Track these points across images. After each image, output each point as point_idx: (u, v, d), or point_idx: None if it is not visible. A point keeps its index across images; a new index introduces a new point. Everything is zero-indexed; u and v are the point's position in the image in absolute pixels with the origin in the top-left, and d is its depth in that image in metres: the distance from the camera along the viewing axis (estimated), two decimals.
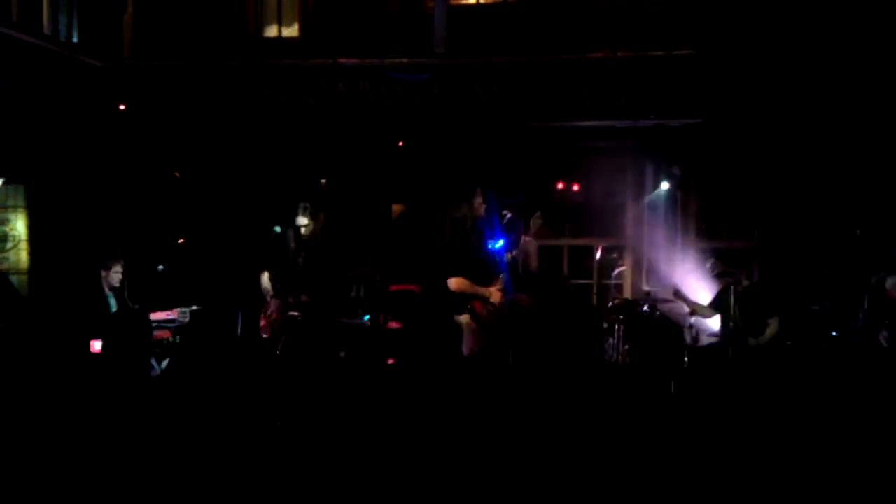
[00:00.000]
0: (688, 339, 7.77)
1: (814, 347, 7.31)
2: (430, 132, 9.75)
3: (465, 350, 6.55)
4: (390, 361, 7.98)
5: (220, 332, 7.24)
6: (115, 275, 7.70)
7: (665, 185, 9.46)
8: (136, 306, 7.67)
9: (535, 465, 4.14)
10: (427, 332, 5.89)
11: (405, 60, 9.43)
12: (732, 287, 7.80)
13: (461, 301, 6.59)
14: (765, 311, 7.75)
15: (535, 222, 7.06)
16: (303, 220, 7.65)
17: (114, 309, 7.70)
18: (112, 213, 9.21)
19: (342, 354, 7.37)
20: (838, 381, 6.38)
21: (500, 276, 6.76)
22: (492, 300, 6.51)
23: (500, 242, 6.98)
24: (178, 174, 9.39)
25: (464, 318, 6.57)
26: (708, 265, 7.92)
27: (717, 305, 8.07)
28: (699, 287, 8.54)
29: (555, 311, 6.81)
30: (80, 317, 7.47)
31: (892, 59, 8.37)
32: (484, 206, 6.75)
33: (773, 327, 7.58)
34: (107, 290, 7.68)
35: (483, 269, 6.63)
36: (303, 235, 7.69)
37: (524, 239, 6.96)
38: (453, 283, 6.59)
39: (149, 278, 7.82)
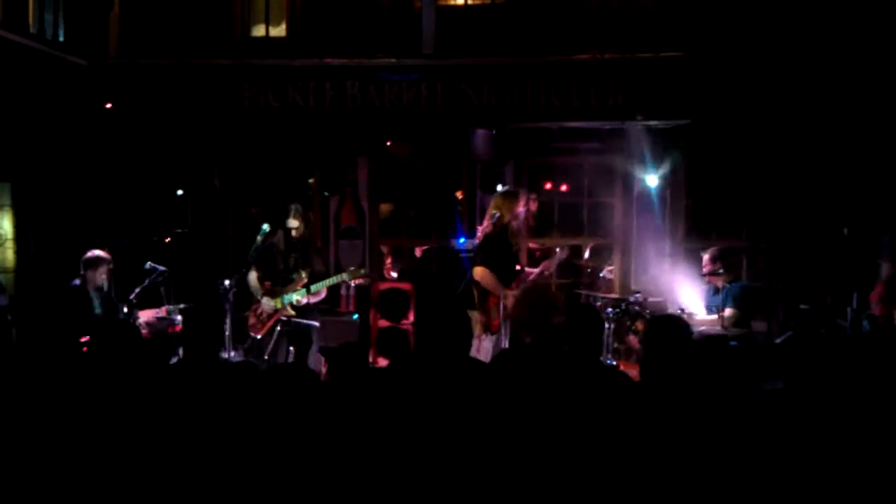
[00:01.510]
0: None
1: (802, 345, 7.35)
2: (419, 132, 9.77)
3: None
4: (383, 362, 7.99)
5: (209, 331, 7.17)
6: (101, 275, 7.65)
7: (653, 184, 9.53)
8: (123, 305, 7.63)
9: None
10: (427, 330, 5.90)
11: (393, 60, 9.42)
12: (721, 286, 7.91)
13: (475, 294, 6.63)
14: (746, 308, 7.84)
15: (554, 254, 7.27)
16: (293, 223, 7.62)
17: (97, 308, 7.66)
18: (99, 212, 9.16)
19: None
20: (829, 379, 6.40)
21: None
22: (506, 302, 6.57)
23: None
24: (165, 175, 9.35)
25: (474, 314, 6.62)
26: (706, 257, 8.00)
27: (707, 307, 8.14)
28: (688, 286, 8.60)
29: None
30: (65, 315, 7.42)
31: (879, 59, 8.45)
32: (523, 210, 6.83)
33: (733, 315, 7.68)
34: (91, 289, 7.63)
35: (508, 269, 6.70)
36: (293, 237, 7.66)
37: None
38: (479, 272, 6.65)
39: (136, 276, 7.77)
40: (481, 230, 6.92)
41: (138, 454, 3.95)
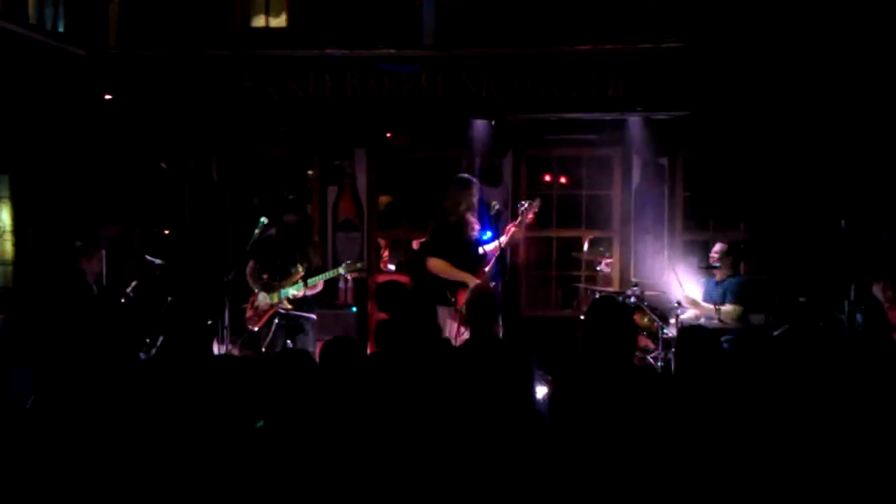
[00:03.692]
0: (675, 330, 7.82)
1: (801, 338, 7.36)
2: (419, 123, 9.76)
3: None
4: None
5: (206, 322, 7.20)
6: (97, 263, 7.68)
7: (650, 177, 9.55)
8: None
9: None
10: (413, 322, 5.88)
11: (393, 51, 9.40)
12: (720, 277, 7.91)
13: (440, 287, 6.57)
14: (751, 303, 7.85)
15: (531, 206, 7.06)
16: (291, 217, 7.60)
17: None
18: (98, 204, 9.17)
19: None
20: (826, 372, 6.40)
21: (487, 267, 6.76)
22: (471, 285, 6.50)
23: (488, 234, 6.98)
24: (164, 165, 9.34)
25: (448, 310, 6.56)
26: (717, 248, 8.00)
27: (703, 298, 8.14)
28: (686, 279, 8.60)
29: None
30: (65, 306, 7.44)
31: (878, 51, 8.41)
32: (477, 197, 6.76)
33: (734, 311, 7.67)
34: (90, 279, 7.67)
35: (468, 257, 6.62)
36: (291, 231, 7.63)
37: (513, 229, 6.96)
38: (432, 263, 6.58)
39: (135, 268, 7.81)
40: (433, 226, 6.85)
41: (136, 446, 3.98)
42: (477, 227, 6.77)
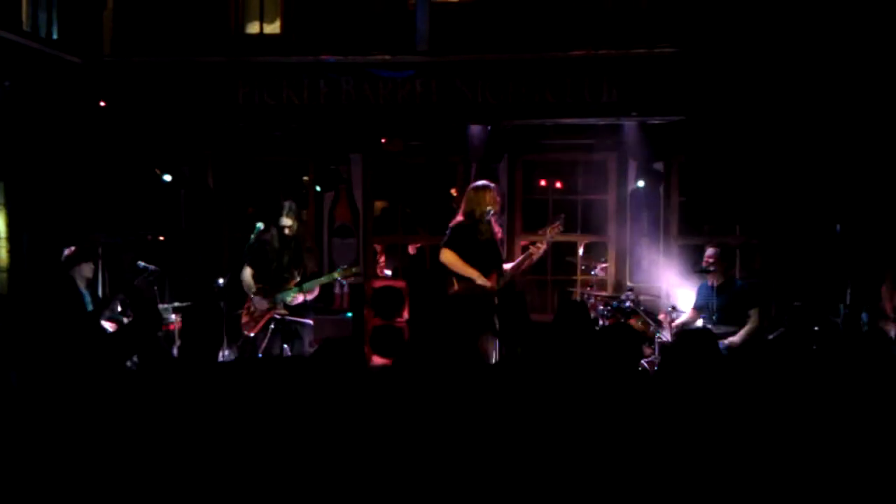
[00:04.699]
0: (669, 335, 7.83)
1: (796, 342, 7.37)
2: (413, 129, 9.77)
3: None
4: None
5: (203, 329, 7.20)
6: (87, 267, 7.67)
7: (645, 182, 9.56)
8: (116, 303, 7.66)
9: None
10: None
11: (388, 58, 9.41)
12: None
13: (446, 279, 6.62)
14: (746, 306, 7.84)
15: (552, 228, 7.16)
16: (286, 221, 7.57)
17: (89, 305, 7.67)
18: (93, 211, 9.16)
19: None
20: (822, 376, 6.40)
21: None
22: (478, 282, 6.55)
23: None
24: (158, 171, 9.34)
25: None
26: (710, 253, 7.99)
27: (698, 303, 8.13)
28: (680, 283, 8.62)
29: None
30: (57, 313, 7.42)
31: (873, 55, 8.44)
32: (498, 200, 6.81)
33: (753, 319, 7.66)
34: (82, 285, 7.66)
35: (481, 258, 6.67)
36: (287, 236, 7.60)
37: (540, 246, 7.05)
38: (444, 254, 6.63)
39: (129, 275, 7.78)
40: (452, 223, 6.90)
41: (137, 452, 3.97)
42: (498, 231, 6.82)
